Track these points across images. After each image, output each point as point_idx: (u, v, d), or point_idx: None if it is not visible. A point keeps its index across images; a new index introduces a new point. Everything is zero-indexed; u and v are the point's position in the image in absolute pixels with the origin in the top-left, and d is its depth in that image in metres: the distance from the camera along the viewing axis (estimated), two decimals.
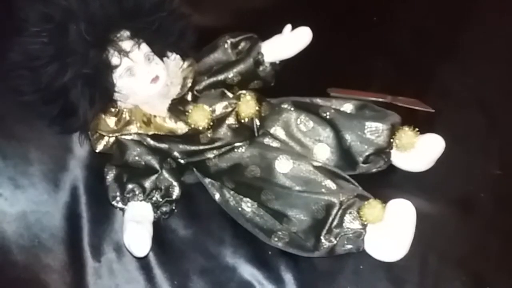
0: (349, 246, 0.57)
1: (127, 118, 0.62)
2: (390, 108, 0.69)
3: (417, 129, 0.62)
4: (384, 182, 0.65)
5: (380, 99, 0.73)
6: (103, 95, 0.60)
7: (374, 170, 0.63)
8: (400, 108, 0.71)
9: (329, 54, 0.75)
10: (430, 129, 0.67)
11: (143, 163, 0.61)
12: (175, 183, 0.62)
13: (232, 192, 0.63)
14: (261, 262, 0.61)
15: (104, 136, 0.62)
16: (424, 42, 0.79)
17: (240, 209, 0.62)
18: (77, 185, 0.65)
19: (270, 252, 0.61)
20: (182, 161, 0.64)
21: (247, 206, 0.62)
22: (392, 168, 0.66)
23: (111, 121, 0.62)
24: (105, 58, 0.59)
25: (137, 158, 0.61)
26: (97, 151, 0.63)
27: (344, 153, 0.63)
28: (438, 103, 0.72)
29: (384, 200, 0.59)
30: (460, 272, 0.58)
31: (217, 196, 0.64)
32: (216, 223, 0.64)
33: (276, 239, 0.60)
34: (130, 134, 0.61)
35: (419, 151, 0.62)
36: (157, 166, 0.61)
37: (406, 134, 0.61)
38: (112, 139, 0.63)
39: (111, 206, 0.61)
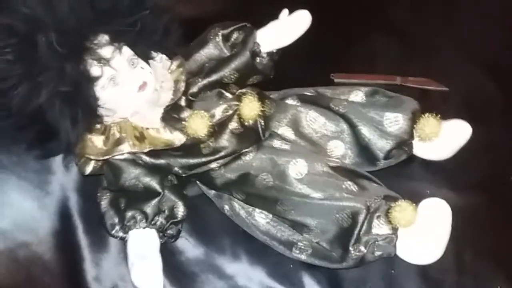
0: (380, 253, 0.51)
1: (117, 135, 0.54)
2: (401, 91, 0.62)
3: (439, 115, 0.55)
4: (403, 174, 0.58)
5: (389, 82, 0.65)
6: (86, 112, 0.51)
7: (395, 163, 0.56)
8: (410, 89, 0.64)
9: (329, 36, 0.67)
10: (447, 110, 0.60)
11: (141, 186, 0.53)
12: (179, 202, 0.54)
13: (242, 204, 0.56)
14: (283, 276, 0.55)
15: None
16: (424, 15, 0.71)
17: (253, 221, 0.55)
18: (69, 213, 0.57)
19: (291, 265, 0.55)
20: (183, 175, 0.56)
21: (261, 217, 0.55)
22: (409, 157, 0.59)
23: (98, 140, 0.53)
24: (84, 70, 0.50)
25: (134, 181, 0.53)
26: (86, 174, 0.54)
27: (363, 149, 0.56)
28: (447, 79, 0.65)
29: (412, 199, 0.53)
30: (498, 269, 0.52)
31: (226, 209, 0.56)
32: (227, 238, 0.57)
33: (297, 251, 0.53)
34: (123, 154, 0.53)
35: (443, 139, 0.55)
36: (158, 188, 0.53)
37: (429, 122, 0.54)
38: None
39: (109, 235, 0.53)
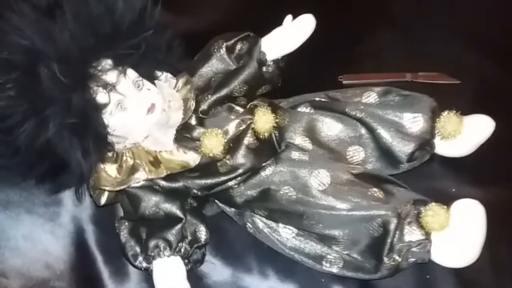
0: (414, 260, 0.49)
1: (130, 161, 0.51)
2: (412, 87, 0.60)
3: (459, 111, 0.53)
4: (424, 174, 0.56)
5: (400, 79, 0.63)
6: (96, 142, 0.48)
7: (418, 165, 0.54)
8: (421, 85, 0.62)
9: (333, 38, 0.65)
10: (463, 103, 0.58)
11: (162, 213, 0.50)
12: (200, 225, 0.52)
13: (265, 220, 0.53)
14: None
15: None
16: (426, 7, 0.68)
17: (278, 237, 0.53)
18: (86, 244, 0.54)
19: (323, 280, 0.53)
20: (201, 195, 0.53)
21: (287, 233, 0.53)
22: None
23: (112, 169, 0.50)
24: (90, 98, 0.47)
25: (154, 209, 0.50)
26: (101, 205, 0.51)
27: (384, 153, 0.54)
28: (457, 71, 0.63)
29: (438, 199, 0.51)
30: None
31: (248, 226, 0.54)
32: (253, 256, 0.55)
33: (327, 264, 0.51)
34: (139, 182, 0.50)
35: (465, 136, 0.53)
36: (180, 213, 0.50)
37: (450, 120, 0.52)
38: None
39: (132, 266, 0.50)
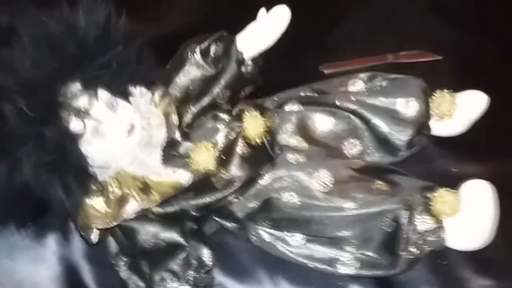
0: (430, 249, 0.47)
1: (117, 192, 0.46)
2: (395, 68, 0.58)
3: (450, 89, 0.51)
4: (421, 157, 0.54)
5: (381, 62, 0.60)
6: (77, 176, 0.44)
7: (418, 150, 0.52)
8: (403, 65, 0.60)
9: (307, 26, 0.61)
10: (448, 80, 0.57)
11: (163, 243, 0.46)
12: (204, 247, 0.48)
13: (270, 230, 0.50)
14: None
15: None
16: None
17: (286, 246, 0.50)
18: (85, 284, 0.50)
19: (340, 283, 0.50)
20: (199, 215, 0.49)
21: (295, 240, 0.50)
22: None
23: (99, 203, 0.46)
24: (63, 129, 0.42)
25: (154, 241, 0.46)
26: (93, 244, 0.47)
27: (382, 143, 0.51)
28: (436, 46, 0.61)
29: (441, 181, 0.49)
30: None
31: (253, 239, 0.51)
32: (263, 269, 0.52)
33: (342, 267, 0.49)
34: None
35: (460, 114, 0.52)
36: (182, 240, 0.46)
37: (444, 100, 0.50)
38: None
39: None
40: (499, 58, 0.60)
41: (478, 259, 0.50)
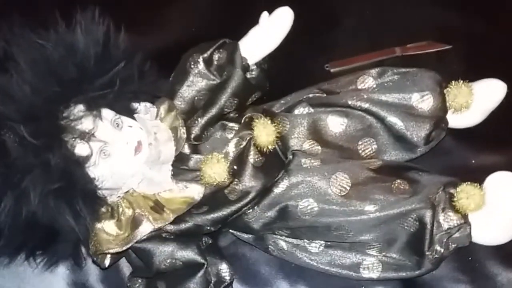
0: (455, 245, 0.45)
1: (128, 212, 0.45)
2: (404, 61, 0.56)
3: (466, 79, 0.49)
4: (439, 151, 0.52)
5: (389, 56, 0.58)
6: (87, 201, 0.42)
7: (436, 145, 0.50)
8: (413, 57, 0.58)
9: (310, 26, 0.59)
10: (460, 69, 0.55)
11: (180, 263, 0.44)
12: (221, 262, 0.47)
13: (288, 239, 0.48)
14: None
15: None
16: None
17: (307, 254, 0.48)
18: None
19: (363, 287, 0.48)
20: (214, 230, 0.48)
21: (314, 248, 0.48)
22: None
23: (110, 226, 0.44)
24: (69, 154, 0.40)
25: (170, 261, 0.44)
26: (105, 267, 0.45)
27: (398, 139, 0.49)
28: (445, 36, 0.59)
29: (461, 175, 0.47)
30: None
31: (271, 249, 0.49)
32: (283, 279, 0.50)
33: (366, 271, 0.47)
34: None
35: (477, 104, 0.49)
36: (199, 258, 0.45)
37: (461, 92, 0.48)
38: None
39: None
40: (509, 44, 0.57)
41: (505, 253, 0.47)
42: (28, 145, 0.38)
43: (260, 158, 0.48)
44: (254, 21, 0.53)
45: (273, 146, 0.48)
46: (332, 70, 0.59)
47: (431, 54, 0.58)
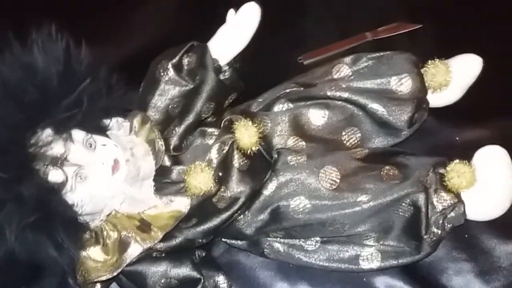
0: (451, 225, 0.45)
1: (114, 235, 0.42)
2: (376, 45, 0.55)
3: (442, 58, 0.48)
4: (421, 131, 0.51)
5: (361, 41, 0.57)
6: (68, 230, 0.39)
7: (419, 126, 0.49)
8: (384, 40, 0.57)
9: (276, 19, 0.57)
10: (433, 47, 0.54)
11: (175, 281, 0.42)
12: (218, 274, 0.45)
13: (283, 240, 0.47)
14: None
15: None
16: None
17: (304, 253, 0.47)
18: None
19: (365, 279, 0.47)
20: (207, 242, 0.45)
21: (311, 245, 0.47)
22: None
23: (96, 253, 0.41)
24: (42, 183, 0.38)
25: (164, 280, 0.42)
26: None
27: (382, 125, 0.48)
28: (414, 15, 0.58)
29: (448, 153, 0.47)
30: None
31: (266, 252, 0.47)
32: (283, 281, 0.48)
33: (365, 262, 0.46)
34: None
35: (455, 81, 0.49)
36: (194, 273, 0.43)
37: (438, 70, 0.47)
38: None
39: None
40: (479, 18, 0.57)
41: (500, 226, 0.47)
42: None
43: (245, 161, 0.46)
44: (221, 20, 0.51)
45: (257, 147, 0.46)
46: (305, 62, 0.57)
47: (403, 35, 0.57)
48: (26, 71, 0.38)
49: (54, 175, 0.38)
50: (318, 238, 0.46)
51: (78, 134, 0.41)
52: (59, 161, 0.38)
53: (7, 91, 0.37)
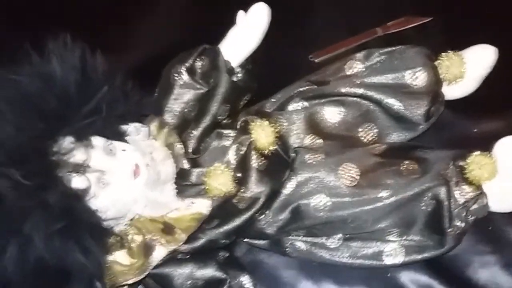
0: (474, 218, 0.44)
1: (138, 239, 0.42)
2: (386, 40, 0.55)
3: (457, 50, 0.48)
4: (437, 125, 0.50)
5: (372, 37, 0.57)
6: (94, 234, 0.39)
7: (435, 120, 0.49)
8: (394, 35, 0.57)
9: (285, 18, 0.57)
10: (445, 40, 0.54)
11: (201, 282, 0.43)
12: (242, 274, 0.45)
13: (305, 238, 0.47)
14: None
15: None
16: None
17: (326, 250, 0.47)
18: None
19: (389, 274, 0.47)
20: (230, 242, 0.46)
21: (333, 243, 0.47)
22: None
23: (122, 256, 0.42)
24: (67, 190, 0.38)
25: (190, 282, 0.42)
26: None
27: (398, 120, 0.48)
28: (422, 9, 0.58)
29: (466, 145, 0.46)
30: None
31: (288, 252, 0.47)
32: (307, 279, 0.48)
33: (389, 258, 0.46)
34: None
35: (470, 72, 0.49)
36: (220, 274, 0.43)
37: (452, 62, 0.47)
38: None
39: None
40: (488, 8, 0.57)
41: None
42: (23, 188, 0.35)
43: (263, 161, 0.46)
44: (231, 22, 0.52)
45: (274, 147, 0.46)
46: (317, 60, 0.57)
47: (413, 29, 0.57)
48: (45, 81, 0.38)
49: (78, 182, 0.38)
50: (340, 235, 0.46)
51: (98, 141, 0.41)
52: (81, 168, 0.39)
53: (28, 101, 0.37)
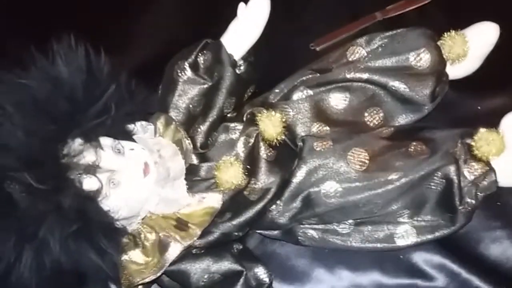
0: (483, 194, 0.45)
1: (152, 237, 0.42)
2: (386, 24, 0.55)
3: (458, 29, 0.48)
4: (442, 104, 0.50)
5: (371, 22, 0.57)
6: (107, 235, 0.39)
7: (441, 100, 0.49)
8: (394, 18, 0.57)
9: (284, 7, 0.57)
10: (446, 20, 0.53)
11: (218, 275, 0.42)
12: (257, 265, 0.45)
13: (317, 226, 0.47)
14: (401, 271, 0.47)
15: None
16: None
17: (338, 236, 0.47)
18: None
19: (401, 256, 0.47)
20: (243, 234, 0.46)
21: (345, 228, 0.47)
22: None
23: (137, 255, 0.42)
24: (80, 191, 0.38)
25: (207, 276, 0.42)
26: None
27: (404, 102, 0.48)
28: None
29: (472, 123, 0.46)
30: None
31: (300, 240, 0.47)
32: (320, 267, 0.49)
33: (401, 240, 0.46)
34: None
35: (473, 50, 0.48)
36: (236, 266, 0.43)
37: (455, 41, 0.47)
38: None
39: None
40: None
41: None
42: (36, 192, 0.35)
43: (272, 152, 0.46)
44: (232, 15, 0.51)
45: (282, 137, 0.46)
46: (318, 48, 0.57)
47: (413, 12, 0.57)
48: (53, 83, 0.38)
49: (89, 183, 0.39)
50: (351, 221, 0.46)
51: (106, 141, 0.41)
52: (92, 169, 0.39)
53: (38, 105, 0.37)
